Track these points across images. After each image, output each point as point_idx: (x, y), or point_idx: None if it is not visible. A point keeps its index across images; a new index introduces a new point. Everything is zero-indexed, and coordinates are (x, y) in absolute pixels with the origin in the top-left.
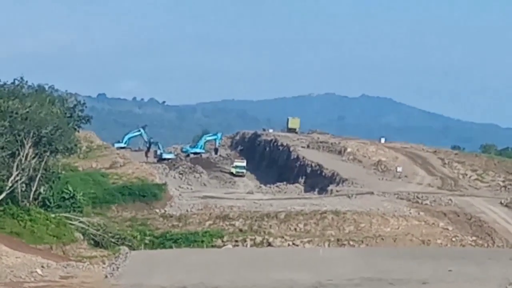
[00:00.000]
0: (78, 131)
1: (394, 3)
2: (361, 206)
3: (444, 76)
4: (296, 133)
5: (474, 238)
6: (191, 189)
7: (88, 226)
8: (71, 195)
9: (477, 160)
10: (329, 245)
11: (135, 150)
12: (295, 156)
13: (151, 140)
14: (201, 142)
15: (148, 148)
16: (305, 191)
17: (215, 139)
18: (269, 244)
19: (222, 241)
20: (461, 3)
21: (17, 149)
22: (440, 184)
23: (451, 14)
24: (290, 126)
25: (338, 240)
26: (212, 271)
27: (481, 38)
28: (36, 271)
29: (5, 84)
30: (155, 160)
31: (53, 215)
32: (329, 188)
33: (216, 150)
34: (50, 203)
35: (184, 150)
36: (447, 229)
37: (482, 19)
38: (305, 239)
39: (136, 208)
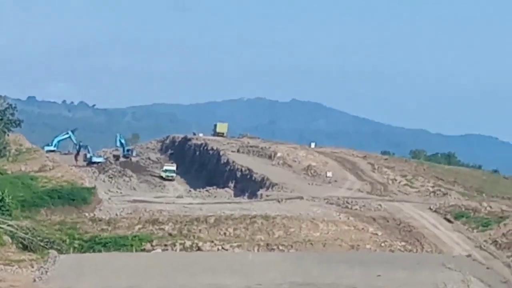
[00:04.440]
0: (8, 134)
1: (324, 7)
2: (290, 211)
3: (375, 81)
4: (224, 137)
5: (403, 243)
6: (121, 193)
7: (17, 229)
8: (0, 198)
9: (407, 165)
10: (258, 250)
11: (65, 154)
12: (225, 161)
13: (81, 144)
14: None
15: (78, 152)
16: (235, 195)
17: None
18: (199, 249)
19: (152, 245)
20: (391, 6)
21: None
22: (370, 189)
23: (381, 17)
24: (218, 130)
25: (267, 244)
26: (142, 275)
27: (412, 43)
28: None
29: None
30: (85, 163)
31: None
32: (259, 192)
33: (117, 157)
34: None
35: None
36: (377, 234)
37: (413, 23)
38: (235, 244)
39: (65, 211)
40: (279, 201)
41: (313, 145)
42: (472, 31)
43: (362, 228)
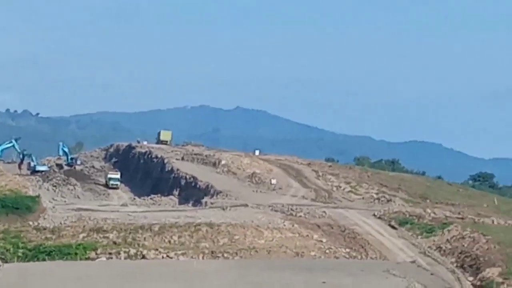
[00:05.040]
0: None
1: (267, 14)
2: (235, 218)
3: (319, 89)
4: (168, 145)
5: (347, 250)
6: (65, 201)
7: None
8: None
9: (351, 172)
10: (203, 258)
11: (8, 162)
12: (170, 168)
13: (24, 152)
14: None
15: (22, 160)
16: (180, 203)
17: (13, 146)
18: (143, 257)
19: (96, 254)
20: (334, 14)
21: None
22: (314, 196)
23: (325, 24)
24: (162, 138)
25: (212, 252)
26: (86, 283)
27: (356, 50)
28: None
29: None
30: (29, 172)
31: None
32: (204, 200)
33: (60, 165)
34: None
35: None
36: (321, 241)
37: (357, 30)
38: (179, 251)
39: (9, 220)
40: (223, 209)
41: (257, 152)
42: (417, 38)
43: (307, 235)
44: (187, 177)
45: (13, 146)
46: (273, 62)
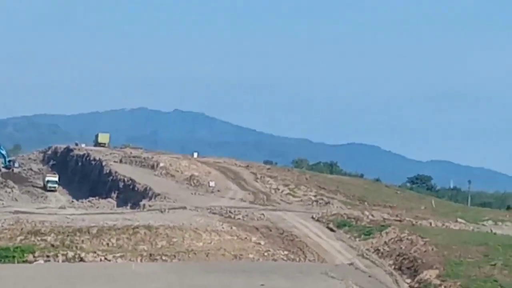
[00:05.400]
0: None
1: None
2: (173, 221)
3: (257, 91)
4: (106, 147)
5: (286, 252)
6: (2, 204)
7: None
8: None
9: (289, 174)
10: (141, 260)
11: None
12: (108, 171)
13: None
14: None
15: None
16: (118, 206)
17: None
18: (81, 259)
19: (34, 256)
20: (270, 16)
21: None
22: (253, 198)
23: (261, 27)
24: (99, 141)
25: (150, 255)
26: (24, 286)
27: (295, 54)
28: None
29: None
30: None
31: None
32: (142, 202)
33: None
34: None
35: None
36: (260, 243)
37: (295, 33)
38: (118, 254)
39: None
40: (162, 211)
41: (195, 155)
42: (355, 40)
43: (245, 238)
44: (125, 179)
45: None
46: (211, 64)
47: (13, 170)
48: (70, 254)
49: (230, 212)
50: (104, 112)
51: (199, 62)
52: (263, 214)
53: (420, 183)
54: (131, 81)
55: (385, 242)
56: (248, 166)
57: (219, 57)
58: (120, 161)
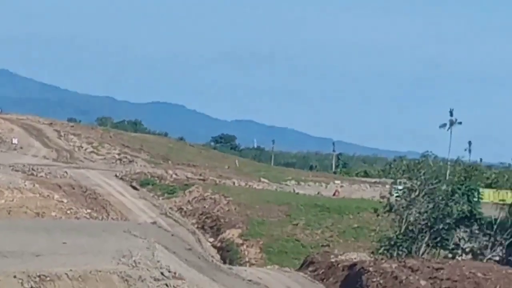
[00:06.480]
0: None
1: None
2: None
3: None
4: None
5: (89, 210)
6: None
7: None
8: None
9: (93, 132)
10: None
11: None
12: None
13: None
14: None
15: None
16: None
17: None
18: None
19: None
20: None
21: None
22: (56, 156)
23: None
24: None
25: None
26: None
27: (94, 9)
28: None
29: None
30: None
31: None
32: None
33: None
34: None
35: None
36: (62, 201)
37: None
38: None
39: None
40: None
41: None
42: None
43: (48, 195)
44: None
45: None
46: (13, 19)
47: None
48: None
49: (32, 169)
50: None
51: (1, 16)
52: (66, 172)
53: (224, 142)
54: None
55: (188, 201)
56: (51, 123)
57: (21, 12)
58: None
